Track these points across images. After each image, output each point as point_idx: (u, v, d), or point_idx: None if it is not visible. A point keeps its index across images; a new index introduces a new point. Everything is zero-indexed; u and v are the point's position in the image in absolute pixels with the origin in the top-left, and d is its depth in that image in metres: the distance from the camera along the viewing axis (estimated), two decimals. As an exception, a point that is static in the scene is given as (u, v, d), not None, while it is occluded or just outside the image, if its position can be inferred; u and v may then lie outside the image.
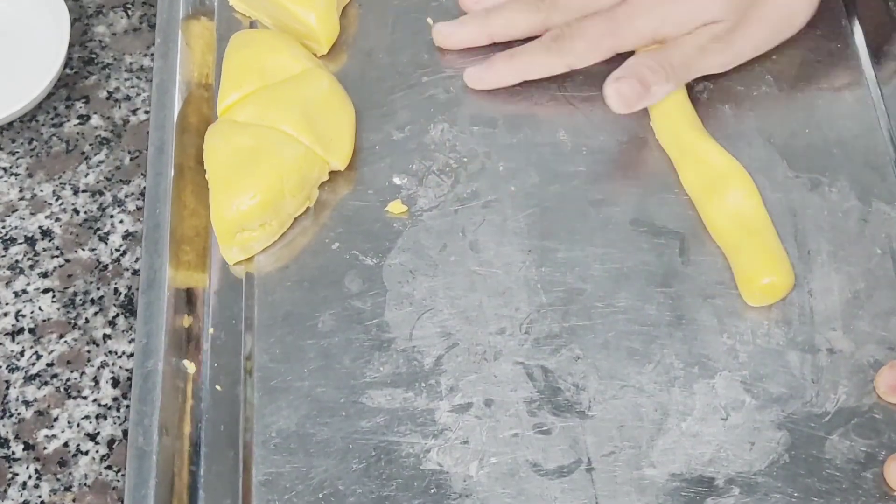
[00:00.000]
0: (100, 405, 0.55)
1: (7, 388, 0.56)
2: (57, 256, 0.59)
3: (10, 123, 0.63)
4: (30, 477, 0.53)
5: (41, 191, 0.61)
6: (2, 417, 0.55)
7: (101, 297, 0.58)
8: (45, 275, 0.59)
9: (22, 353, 0.56)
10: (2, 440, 0.54)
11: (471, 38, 0.63)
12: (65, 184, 0.61)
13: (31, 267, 0.59)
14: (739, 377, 0.53)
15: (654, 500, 0.50)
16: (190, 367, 0.55)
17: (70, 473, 0.53)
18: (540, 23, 0.61)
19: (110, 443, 0.54)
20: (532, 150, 0.61)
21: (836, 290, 0.56)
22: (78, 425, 0.54)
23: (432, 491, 0.51)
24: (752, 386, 0.53)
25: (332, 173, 0.60)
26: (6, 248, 0.59)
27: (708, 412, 0.53)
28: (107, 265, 0.59)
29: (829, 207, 0.58)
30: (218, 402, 0.54)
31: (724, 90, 0.61)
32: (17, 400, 0.55)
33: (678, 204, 0.58)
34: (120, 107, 0.64)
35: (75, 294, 0.58)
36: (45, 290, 0.58)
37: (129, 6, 0.68)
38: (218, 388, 0.54)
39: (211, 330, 0.56)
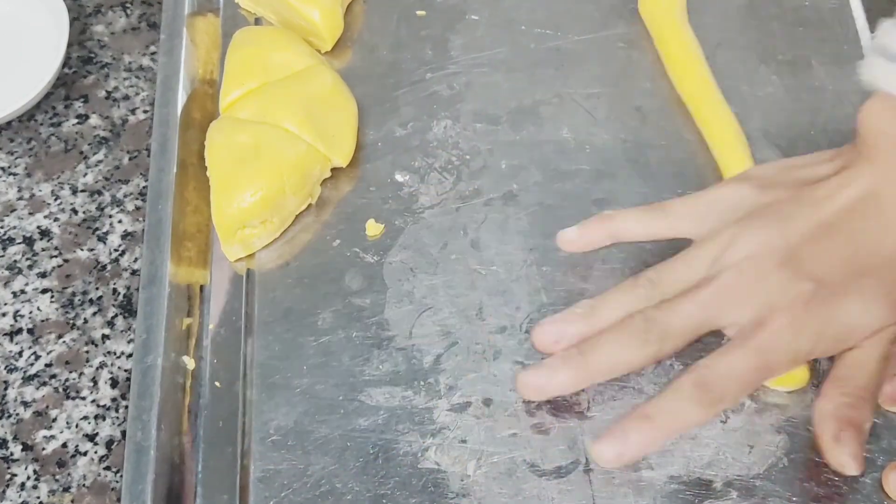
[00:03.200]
0: (98, 406, 0.55)
1: (5, 388, 0.56)
2: (55, 256, 0.59)
3: (9, 123, 0.63)
4: (28, 478, 0.53)
5: (39, 191, 0.61)
6: (0, 418, 0.55)
7: (99, 298, 0.58)
8: (43, 275, 0.59)
9: (20, 354, 0.57)
10: (0, 441, 0.54)
11: (569, 387, 0.52)
12: (63, 184, 0.61)
13: (30, 267, 0.59)
14: (739, 379, 0.53)
15: (652, 502, 0.50)
16: (189, 363, 0.55)
17: (69, 474, 0.53)
18: (650, 357, 0.50)
19: (109, 443, 0.54)
20: (535, 147, 0.61)
21: (838, 293, 0.55)
22: (77, 426, 0.55)
23: (430, 490, 0.51)
24: (751, 388, 0.53)
25: (334, 170, 0.60)
26: (4, 249, 0.60)
27: (707, 414, 0.53)
28: (105, 265, 0.59)
29: (832, 209, 0.58)
30: (217, 399, 0.54)
31: (730, 91, 0.61)
32: (16, 400, 0.55)
33: (681, 204, 0.58)
34: (119, 106, 0.64)
35: (74, 294, 0.58)
36: (44, 291, 0.58)
37: (128, 5, 0.68)
38: (217, 384, 0.54)
39: (211, 326, 0.56)
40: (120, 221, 0.60)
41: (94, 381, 0.56)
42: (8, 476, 0.53)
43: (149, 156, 0.61)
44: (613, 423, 0.49)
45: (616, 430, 0.49)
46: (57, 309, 0.58)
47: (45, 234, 0.60)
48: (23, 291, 0.58)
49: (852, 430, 0.49)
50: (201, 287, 0.57)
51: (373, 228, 0.58)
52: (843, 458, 0.49)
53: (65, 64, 0.65)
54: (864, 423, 0.49)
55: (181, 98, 0.61)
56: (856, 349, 0.50)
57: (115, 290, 0.58)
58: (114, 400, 0.55)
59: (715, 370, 0.49)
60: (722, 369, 0.49)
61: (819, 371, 0.53)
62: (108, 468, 0.53)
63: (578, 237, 0.55)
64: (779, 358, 0.49)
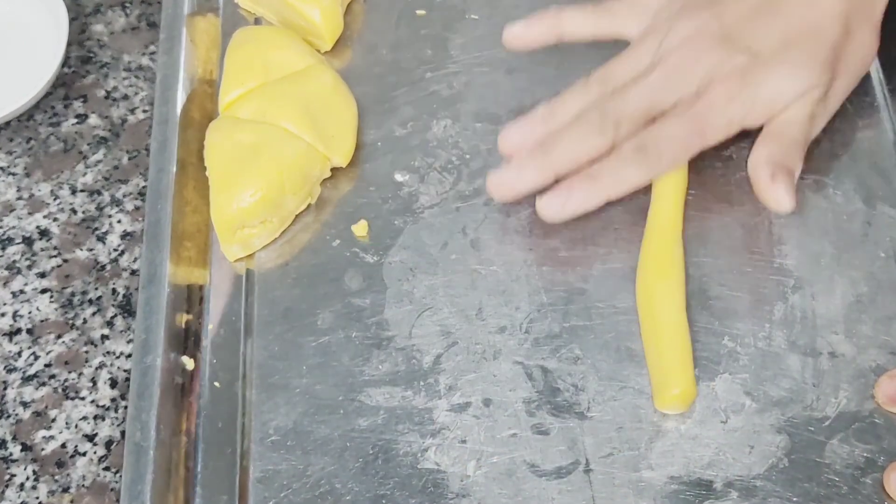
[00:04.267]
0: (98, 406, 0.55)
1: (5, 388, 0.56)
2: (55, 256, 0.59)
3: (8, 123, 0.63)
4: (27, 478, 0.53)
5: (39, 190, 0.61)
6: (-1, 418, 0.55)
7: (99, 298, 0.58)
8: (42, 275, 0.59)
9: (19, 354, 0.56)
10: (-1, 441, 0.55)
11: (535, 183, 0.56)
12: (62, 183, 0.61)
13: (29, 267, 0.59)
14: (740, 380, 0.53)
15: (652, 502, 0.50)
16: (189, 363, 0.55)
17: (68, 475, 0.53)
18: (606, 144, 0.55)
19: (108, 444, 0.54)
20: (535, 148, 0.60)
21: (838, 294, 0.55)
22: (76, 426, 0.54)
23: (429, 490, 0.51)
24: (752, 389, 0.53)
25: (334, 170, 0.60)
26: (3, 248, 0.60)
27: (707, 415, 0.52)
28: (105, 265, 0.59)
29: (833, 210, 0.58)
30: (216, 399, 0.54)
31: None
32: (15, 401, 0.55)
33: (681, 204, 0.58)
34: (118, 106, 0.64)
35: (73, 294, 0.58)
36: (43, 291, 0.58)
37: (127, 5, 0.68)
38: (216, 384, 0.54)
39: (210, 326, 0.56)
40: (119, 221, 0.60)
41: (94, 381, 0.56)
42: (7, 476, 0.53)
43: (148, 156, 0.60)
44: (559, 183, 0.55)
45: (562, 187, 0.55)
46: (56, 309, 0.58)
47: (44, 234, 0.60)
48: (22, 291, 0.58)
49: (785, 173, 0.54)
50: (201, 287, 0.57)
51: (360, 229, 0.58)
52: (779, 193, 0.54)
53: (64, 63, 0.65)
54: (794, 169, 0.55)
55: (180, 97, 0.61)
56: (786, 110, 0.55)
57: (114, 290, 0.58)
58: (113, 400, 0.55)
59: (653, 135, 0.55)
60: (660, 134, 0.55)
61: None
62: (107, 468, 0.53)
63: (524, 32, 0.59)
64: (714, 123, 0.55)
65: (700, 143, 0.55)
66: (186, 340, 0.55)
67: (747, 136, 0.60)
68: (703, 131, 0.55)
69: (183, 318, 0.55)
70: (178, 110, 0.60)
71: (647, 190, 0.58)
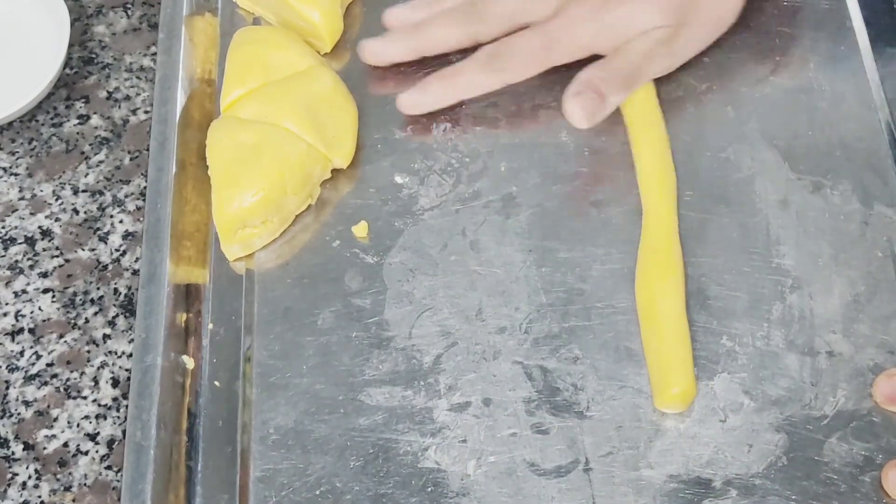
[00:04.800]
0: (99, 405, 0.55)
1: (7, 388, 0.55)
2: (57, 256, 0.59)
3: (10, 123, 0.63)
4: (29, 477, 0.53)
5: (41, 191, 0.61)
6: (1, 417, 0.55)
7: (100, 297, 0.58)
8: (44, 275, 0.59)
9: (22, 353, 0.56)
10: (1, 440, 0.54)
11: (399, 55, 0.62)
12: (64, 184, 0.61)
13: (31, 267, 0.59)
14: (738, 379, 0.53)
15: (652, 501, 0.50)
16: (189, 362, 0.55)
17: (70, 473, 0.53)
18: (469, 36, 0.61)
19: (110, 443, 0.54)
20: (534, 150, 0.61)
21: (836, 293, 0.55)
22: (78, 425, 0.54)
23: (429, 489, 0.51)
24: (750, 388, 0.53)
25: (334, 171, 0.60)
26: (6, 248, 0.59)
27: (706, 414, 0.53)
28: (107, 265, 0.59)
29: (830, 210, 0.58)
30: (216, 398, 0.54)
31: (728, 92, 0.61)
32: (17, 400, 0.55)
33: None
34: (120, 107, 0.64)
35: (75, 294, 0.58)
36: (45, 290, 0.58)
37: (128, 6, 0.68)
38: (217, 383, 0.54)
39: (210, 326, 0.56)
40: (121, 221, 0.60)
41: (96, 380, 0.56)
42: (9, 475, 0.53)
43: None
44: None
45: (420, 85, 0.61)
46: (58, 309, 0.58)
47: (46, 234, 0.60)
48: (24, 291, 0.58)
49: (592, 94, 0.57)
50: (201, 286, 0.57)
51: (360, 230, 0.58)
52: (573, 106, 0.57)
53: (66, 64, 0.65)
54: (608, 95, 0.58)
55: (180, 97, 0.61)
56: (628, 43, 0.59)
57: (116, 290, 0.58)
58: (115, 399, 0.55)
59: (507, 45, 0.59)
60: (513, 44, 0.59)
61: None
62: (109, 467, 0.53)
63: (423, 98, 0.61)
64: (563, 41, 0.59)
65: (548, 58, 0.59)
66: (187, 340, 0.55)
67: (748, 137, 0.60)
68: (550, 48, 0.59)
69: (183, 318, 0.56)
70: (178, 110, 0.61)
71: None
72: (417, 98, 0.61)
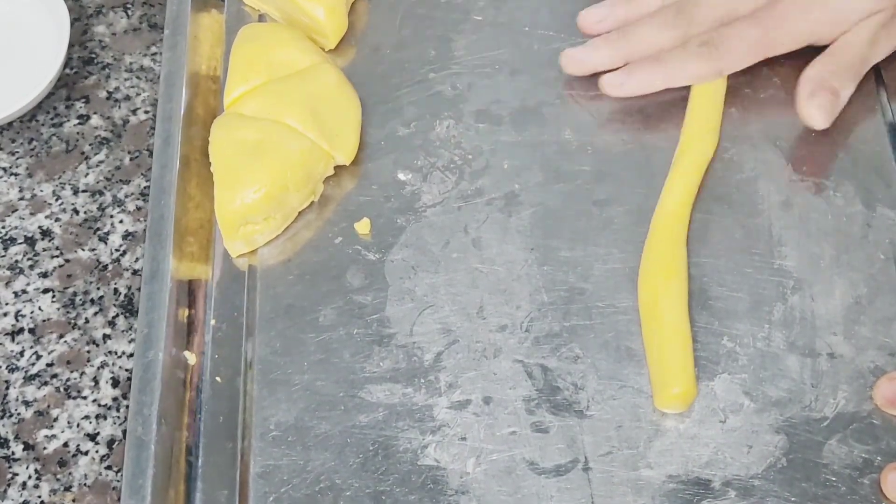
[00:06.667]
0: (100, 405, 0.55)
1: (7, 388, 0.56)
2: (57, 256, 0.59)
3: (10, 123, 0.64)
4: (29, 477, 0.53)
5: (41, 191, 0.61)
6: (2, 417, 0.55)
7: (100, 298, 0.58)
8: (44, 275, 0.59)
9: (22, 354, 0.57)
10: (1, 440, 0.54)
11: (606, 63, 0.61)
12: (65, 184, 0.61)
13: (31, 267, 0.59)
14: (739, 380, 0.53)
15: (651, 500, 0.50)
16: (190, 358, 0.55)
17: (70, 473, 0.53)
18: (679, 39, 0.60)
19: (110, 443, 0.54)
20: (537, 148, 0.61)
21: (837, 295, 0.55)
22: (78, 425, 0.55)
23: (429, 487, 0.51)
24: (751, 389, 0.53)
25: (337, 168, 0.60)
26: (6, 248, 0.60)
27: (706, 414, 0.53)
28: (107, 265, 0.59)
29: (833, 212, 0.58)
30: (217, 394, 0.54)
31: (731, 92, 0.61)
32: (17, 400, 0.55)
33: (682, 205, 0.58)
34: (120, 107, 0.64)
35: (75, 294, 0.58)
36: (45, 290, 0.58)
37: (128, 6, 0.68)
38: (218, 379, 0.55)
39: (212, 322, 0.56)
40: (121, 221, 0.60)
41: (96, 380, 0.56)
42: (9, 475, 0.53)
43: (150, 156, 0.61)
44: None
45: (626, 68, 0.60)
46: (58, 309, 0.58)
47: (46, 234, 0.60)
48: (24, 291, 0.58)
49: (827, 93, 0.57)
50: (203, 282, 0.57)
51: (362, 227, 0.58)
52: (812, 109, 0.57)
53: (66, 64, 0.65)
54: (841, 90, 0.57)
55: (184, 94, 0.61)
56: (848, 32, 0.58)
57: (116, 290, 0.58)
58: (115, 399, 0.55)
59: (723, 34, 0.58)
60: (729, 34, 0.58)
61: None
62: (109, 467, 0.53)
63: (630, 82, 0.60)
64: (783, 31, 0.58)
65: (766, 49, 0.59)
66: (188, 336, 0.55)
67: (747, 138, 0.60)
68: (771, 38, 0.58)
69: (185, 314, 0.56)
70: (182, 106, 0.61)
71: (648, 191, 0.59)
72: (623, 80, 0.60)
